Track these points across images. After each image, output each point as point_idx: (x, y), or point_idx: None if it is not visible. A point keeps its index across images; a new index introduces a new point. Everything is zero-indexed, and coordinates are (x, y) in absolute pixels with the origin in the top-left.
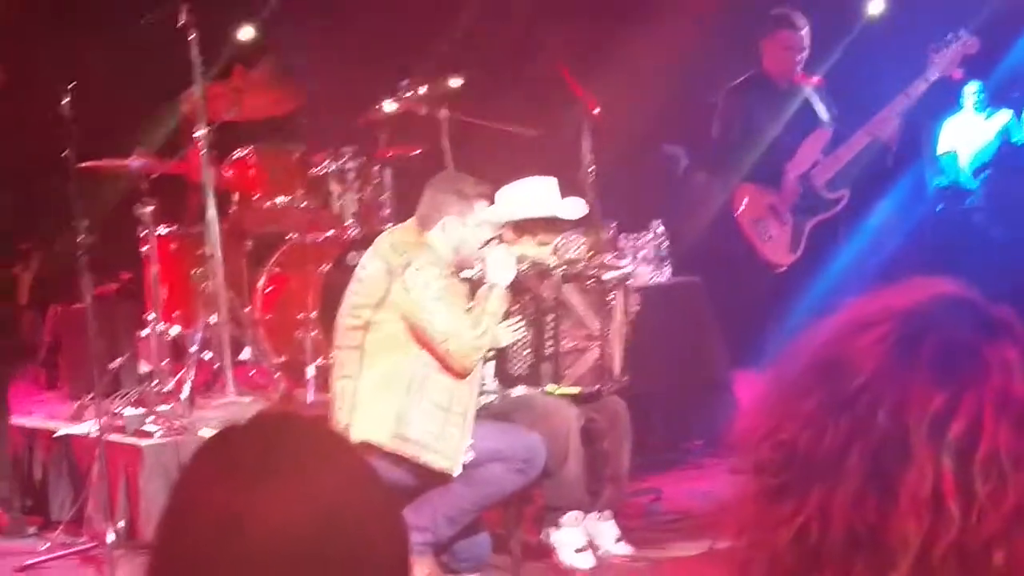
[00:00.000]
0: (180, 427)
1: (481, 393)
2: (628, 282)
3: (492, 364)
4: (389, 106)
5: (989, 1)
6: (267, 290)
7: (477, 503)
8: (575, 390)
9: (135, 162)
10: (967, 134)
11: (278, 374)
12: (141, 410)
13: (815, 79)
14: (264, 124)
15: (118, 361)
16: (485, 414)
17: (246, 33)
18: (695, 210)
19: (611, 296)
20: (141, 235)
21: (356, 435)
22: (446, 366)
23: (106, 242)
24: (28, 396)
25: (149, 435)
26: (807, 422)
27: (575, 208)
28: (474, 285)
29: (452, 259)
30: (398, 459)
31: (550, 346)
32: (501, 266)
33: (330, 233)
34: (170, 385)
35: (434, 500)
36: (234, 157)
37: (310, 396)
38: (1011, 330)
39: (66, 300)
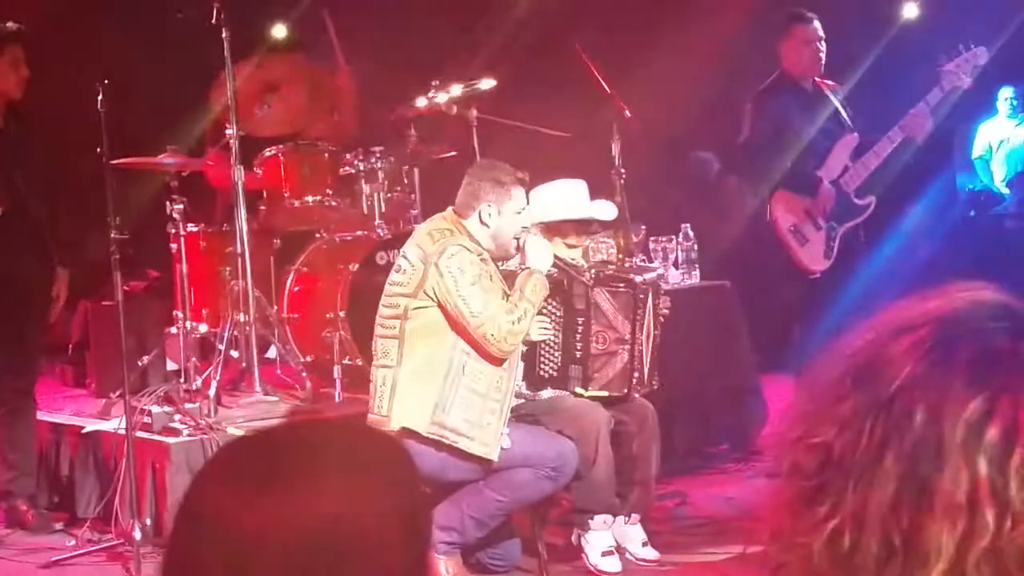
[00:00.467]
0: (207, 425)
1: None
2: (658, 284)
3: (521, 367)
4: (419, 105)
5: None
6: (294, 289)
7: (504, 507)
8: (604, 394)
9: (166, 160)
10: (998, 139)
11: (304, 373)
12: (168, 408)
13: (830, 83)
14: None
15: (146, 359)
16: (514, 417)
17: (279, 31)
18: (727, 214)
19: (642, 299)
20: (171, 233)
21: (395, 422)
22: (483, 352)
23: (135, 240)
24: (55, 392)
25: (177, 433)
26: (843, 425)
27: (606, 210)
28: (512, 278)
29: (490, 246)
30: (438, 445)
31: (580, 349)
32: (539, 253)
33: (359, 233)
34: (198, 383)
35: (462, 501)
36: (265, 156)
37: (337, 395)
38: None
39: (95, 297)
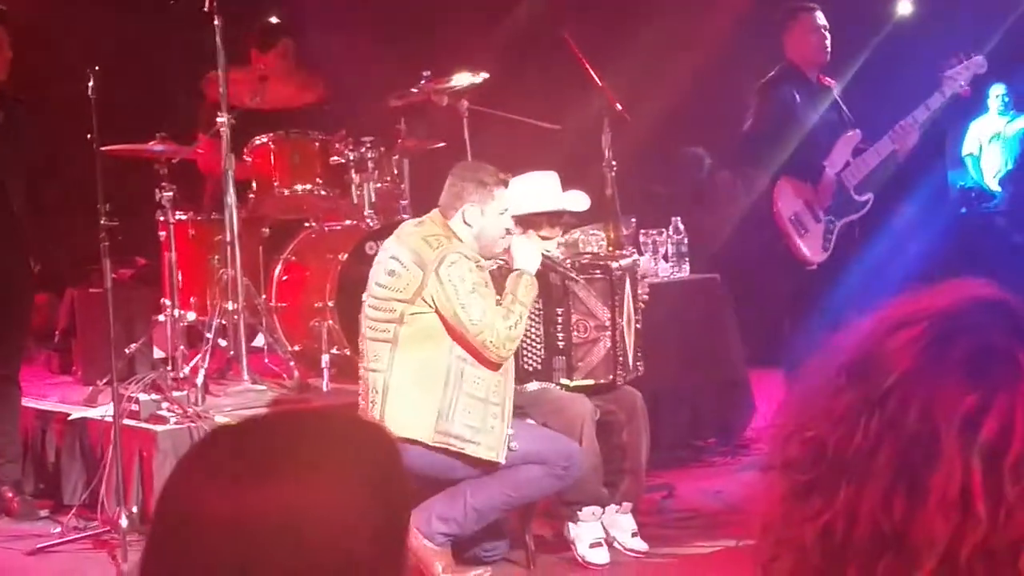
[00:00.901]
0: (195, 413)
1: None
2: (635, 269)
3: None
4: (410, 96)
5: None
6: (283, 278)
7: (509, 502)
8: (589, 382)
9: (156, 147)
10: (988, 136)
11: (292, 362)
12: (156, 396)
13: (830, 81)
14: (285, 111)
15: (133, 346)
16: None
17: (272, 19)
18: (718, 209)
19: (618, 284)
20: (159, 220)
21: (396, 432)
22: (482, 358)
23: (123, 227)
24: (41, 379)
25: (164, 420)
26: (838, 420)
27: (579, 201)
28: (493, 277)
29: (474, 247)
30: (445, 452)
31: (561, 339)
32: (526, 253)
33: (348, 222)
34: (185, 371)
35: (468, 492)
36: (255, 144)
37: (325, 385)
38: None
39: (83, 284)
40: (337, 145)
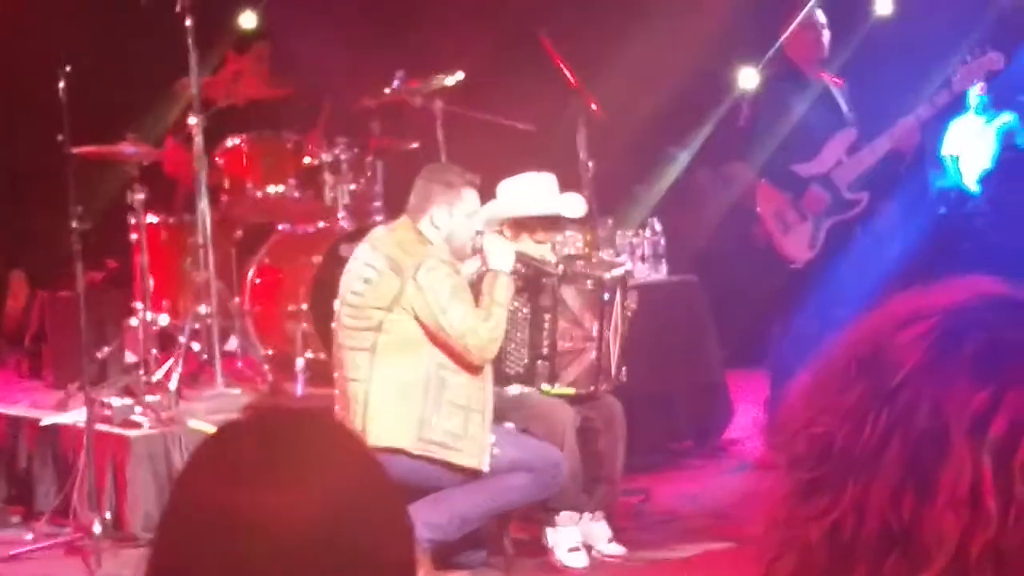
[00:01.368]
0: (168, 418)
1: None
2: (626, 280)
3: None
4: (383, 96)
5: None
6: (256, 281)
7: (494, 508)
8: (570, 391)
9: (128, 149)
10: (971, 137)
11: (266, 366)
12: (129, 400)
13: (837, 79)
14: (258, 112)
15: (105, 350)
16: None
17: (246, 20)
18: (697, 210)
19: (609, 297)
20: (130, 223)
21: (378, 440)
22: (463, 363)
23: (92, 229)
24: (11, 384)
25: (137, 425)
26: (845, 416)
27: (576, 206)
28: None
29: (447, 250)
30: (429, 460)
31: (546, 345)
32: (500, 253)
33: (321, 224)
34: (158, 375)
35: (454, 498)
36: (227, 145)
37: (299, 389)
38: None
39: (53, 288)
40: (310, 146)
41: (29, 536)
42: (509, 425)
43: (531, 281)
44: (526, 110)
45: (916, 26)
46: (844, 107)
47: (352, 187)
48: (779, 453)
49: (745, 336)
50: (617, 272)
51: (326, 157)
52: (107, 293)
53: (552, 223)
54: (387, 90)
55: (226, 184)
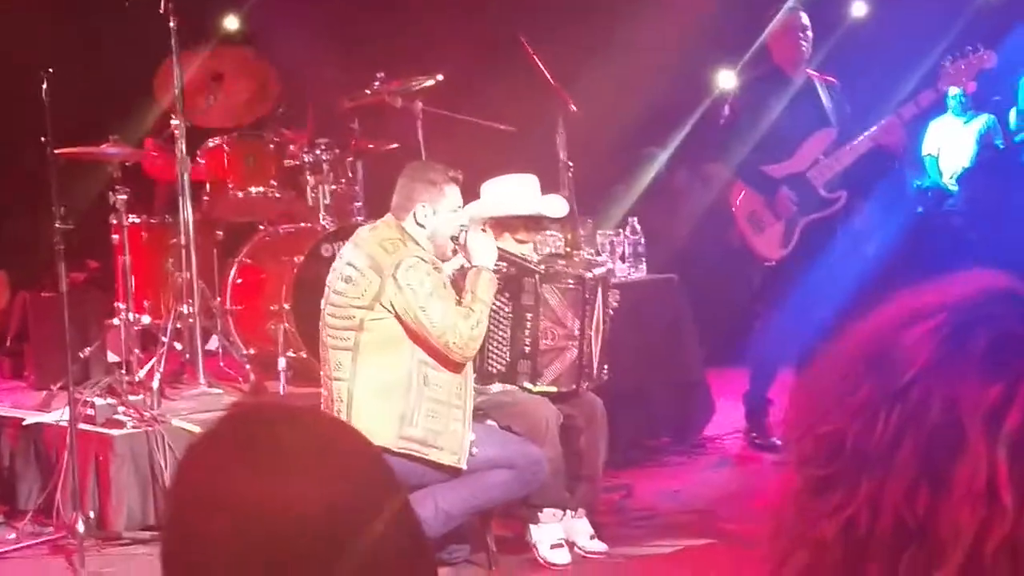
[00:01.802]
0: (151, 417)
1: None
2: (607, 279)
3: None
4: (364, 97)
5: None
6: (237, 281)
7: (478, 505)
8: (552, 389)
9: (111, 149)
10: (949, 137)
11: (248, 366)
12: (112, 400)
13: (830, 78)
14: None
15: (87, 350)
16: (475, 419)
17: (230, 23)
18: (677, 209)
19: (591, 295)
20: (112, 223)
21: None
22: (445, 360)
23: (74, 230)
24: None
25: (120, 425)
26: (856, 413)
27: (558, 206)
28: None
29: (428, 247)
30: (410, 458)
31: (528, 344)
32: (483, 248)
33: (303, 225)
34: (141, 375)
35: (437, 494)
36: (208, 146)
37: (282, 388)
38: None
39: (35, 288)
40: (291, 147)
41: (12, 535)
42: (491, 423)
43: (513, 280)
44: (505, 111)
45: (896, 26)
46: (830, 107)
47: (333, 187)
48: (787, 451)
49: (725, 334)
50: (599, 271)
51: (307, 158)
52: (89, 293)
53: (534, 223)
54: (367, 91)
55: (208, 185)
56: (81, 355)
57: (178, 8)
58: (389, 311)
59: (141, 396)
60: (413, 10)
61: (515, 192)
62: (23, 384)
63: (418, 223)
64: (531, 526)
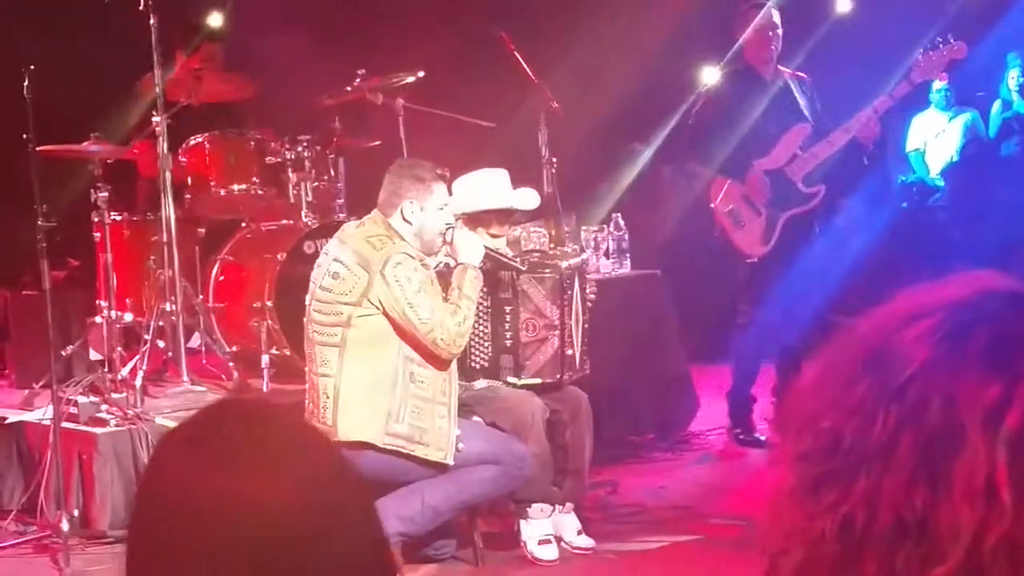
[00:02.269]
0: (135, 415)
1: None
2: (584, 269)
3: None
4: (344, 94)
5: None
6: (220, 279)
7: (465, 500)
8: (536, 381)
9: (92, 147)
10: (934, 132)
11: (231, 363)
12: (95, 398)
13: (800, 74)
14: (221, 110)
15: (70, 348)
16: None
17: (213, 20)
18: (661, 205)
19: (568, 284)
20: (94, 221)
21: (347, 435)
22: (431, 357)
23: (56, 228)
24: None
25: (104, 423)
26: (854, 411)
27: (528, 199)
28: (439, 276)
29: (415, 243)
30: (396, 455)
31: (509, 338)
32: (469, 246)
33: (285, 222)
34: (124, 373)
35: (425, 491)
36: (190, 143)
37: (265, 385)
38: None
39: (15, 286)
40: (273, 144)
41: None
42: (476, 419)
43: (490, 274)
44: (487, 107)
45: (875, 21)
46: (803, 103)
47: (315, 184)
48: (784, 448)
49: (709, 330)
50: (573, 261)
51: (289, 155)
52: (70, 291)
53: (506, 217)
54: (348, 88)
55: (189, 182)
56: (63, 353)
57: (158, 6)
58: (377, 307)
59: (124, 394)
60: (393, 7)
61: (486, 187)
62: (4, 383)
63: (405, 219)
64: (520, 522)
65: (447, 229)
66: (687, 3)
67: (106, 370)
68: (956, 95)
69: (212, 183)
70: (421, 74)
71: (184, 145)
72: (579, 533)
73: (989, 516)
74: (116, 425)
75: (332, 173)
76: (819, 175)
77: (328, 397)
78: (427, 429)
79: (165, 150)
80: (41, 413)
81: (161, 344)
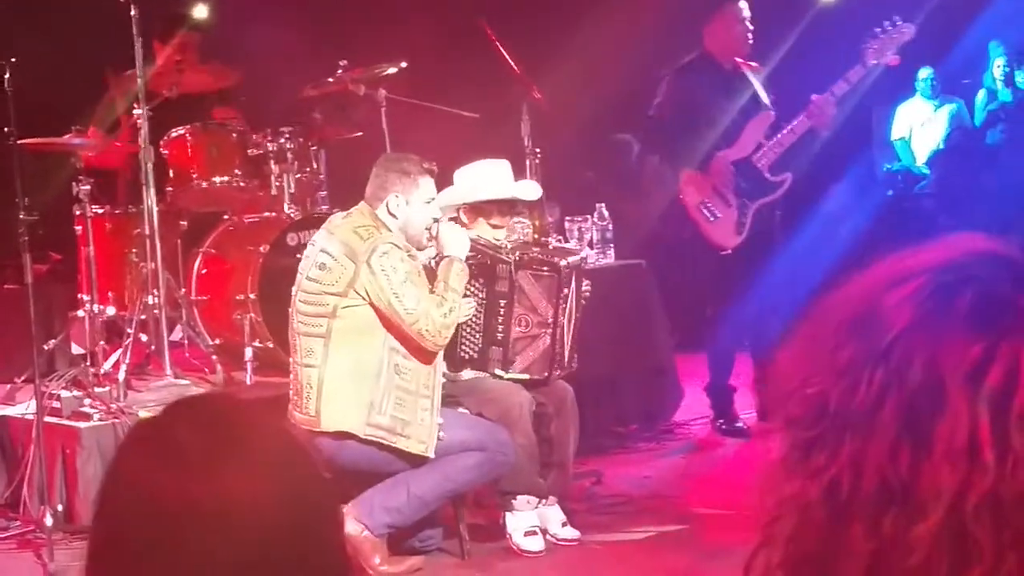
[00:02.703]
0: (118, 409)
1: None
2: (582, 267)
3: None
4: (326, 85)
5: None
6: (202, 271)
7: (452, 489)
8: (524, 376)
9: (75, 140)
10: (919, 120)
11: (215, 356)
12: (78, 392)
13: (753, 64)
14: (203, 102)
15: (52, 343)
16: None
17: (199, 11)
18: (647, 196)
19: (565, 283)
20: (76, 214)
21: (330, 425)
22: (417, 348)
23: (37, 222)
24: None
25: (87, 417)
26: (840, 375)
27: (530, 190)
28: (427, 271)
29: (403, 238)
30: (378, 446)
31: (501, 331)
32: (455, 240)
33: (267, 214)
34: (107, 367)
35: (410, 481)
36: (172, 136)
37: (248, 378)
38: None
39: None
40: (255, 136)
41: None
42: (462, 411)
43: (487, 266)
44: (470, 98)
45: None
46: (761, 92)
47: (297, 176)
48: (774, 414)
49: (693, 320)
50: (573, 259)
51: (271, 147)
52: (51, 285)
53: (508, 208)
54: (330, 79)
55: (171, 174)
56: (45, 347)
57: None
58: (363, 298)
59: (107, 388)
60: None
61: (488, 177)
62: None
63: (390, 213)
64: (506, 514)
65: (433, 223)
66: None
67: (89, 364)
68: (941, 83)
69: (194, 175)
70: (403, 65)
71: (166, 137)
72: (564, 525)
73: (972, 475)
74: (99, 419)
75: (314, 165)
76: (786, 164)
77: (312, 388)
78: (409, 421)
79: (147, 142)
80: (24, 407)
81: (144, 338)
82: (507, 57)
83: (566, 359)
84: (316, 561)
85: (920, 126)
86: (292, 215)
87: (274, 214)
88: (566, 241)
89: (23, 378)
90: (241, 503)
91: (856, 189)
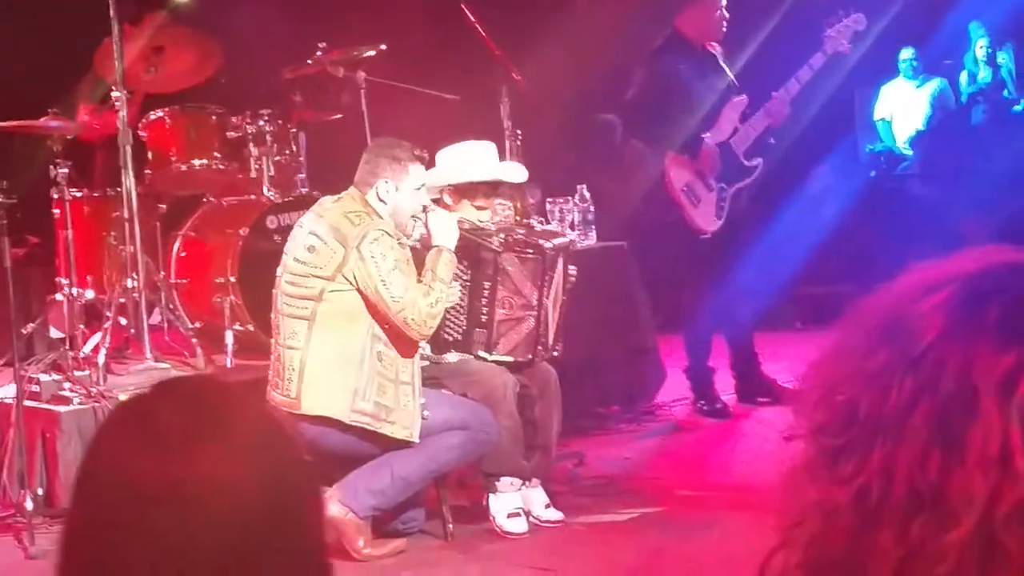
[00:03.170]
0: (98, 393)
1: None
2: (569, 250)
3: None
4: (305, 67)
5: None
6: (181, 255)
7: (435, 469)
8: (508, 359)
9: (52, 123)
10: (901, 101)
11: (195, 340)
12: (57, 376)
13: (716, 47)
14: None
15: (30, 326)
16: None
17: None
18: (630, 177)
19: (550, 266)
20: (54, 198)
21: (312, 409)
22: (401, 337)
23: (15, 205)
24: None
25: (67, 401)
26: (870, 382)
27: (516, 172)
28: (414, 254)
29: (390, 224)
30: (361, 432)
31: (485, 313)
32: (445, 229)
33: (247, 197)
34: (86, 350)
35: (394, 462)
36: (150, 118)
37: (229, 361)
38: None
39: None
40: (234, 119)
41: None
42: (446, 392)
43: (471, 249)
44: (450, 80)
45: None
46: (729, 74)
47: (277, 159)
48: (800, 420)
49: (674, 302)
50: (560, 241)
51: (250, 129)
52: (29, 269)
53: (492, 189)
54: (309, 61)
55: (149, 157)
56: (24, 331)
57: None
58: (351, 283)
59: (87, 372)
60: None
61: (475, 158)
62: None
63: (380, 199)
64: (489, 495)
65: (423, 210)
66: None
67: (68, 348)
68: (924, 63)
69: (173, 158)
70: (383, 47)
71: (144, 120)
72: (547, 507)
73: (1003, 483)
74: (79, 403)
75: (294, 147)
76: (758, 148)
77: (294, 370)
78: (392, 408)
79: (126, 124)
80: (3, 392)
81: (123, 321)
82: (487, 39)
83: (550, 342)
84: (296, 544)
85: (901, 107)
86: (272, 198)
87: (253, 197)
88: (547, 223)
89: (2, 362)
90: (222, 485)
91: (839, 170)
